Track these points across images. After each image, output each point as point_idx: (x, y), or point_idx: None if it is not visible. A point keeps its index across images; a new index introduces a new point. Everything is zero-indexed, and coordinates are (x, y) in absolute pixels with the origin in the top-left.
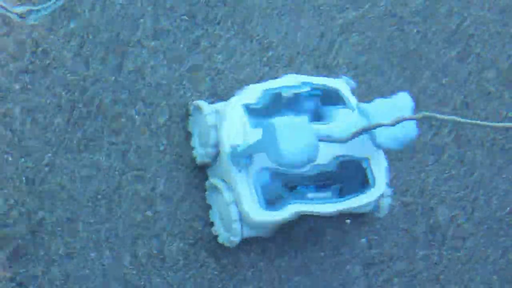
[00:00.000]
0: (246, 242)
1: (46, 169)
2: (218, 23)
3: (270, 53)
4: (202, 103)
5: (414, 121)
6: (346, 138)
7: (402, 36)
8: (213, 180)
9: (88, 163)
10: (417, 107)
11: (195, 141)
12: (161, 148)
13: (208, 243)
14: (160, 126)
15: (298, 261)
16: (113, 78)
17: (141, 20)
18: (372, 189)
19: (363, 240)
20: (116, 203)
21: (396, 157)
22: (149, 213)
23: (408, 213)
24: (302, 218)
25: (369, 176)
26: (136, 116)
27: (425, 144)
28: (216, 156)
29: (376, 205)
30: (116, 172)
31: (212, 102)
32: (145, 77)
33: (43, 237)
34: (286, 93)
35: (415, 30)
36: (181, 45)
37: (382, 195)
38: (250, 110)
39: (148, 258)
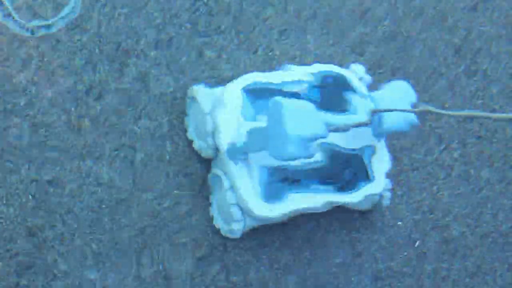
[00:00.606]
0: (254, 256)
1: (51, 181)
2: (222, 33)
3: (274, 63)
4: (198, 91)
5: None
6: (365, 122)
7: (408, 51)
8: (215, 171)
9: (92, 175)
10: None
11: (192, 133)
12: (167, 159)
13: (217, 259)
14: (164, 137)
15: (308, 275)
16: (117, 87)
17: (145, 31)
18: (372, 184)
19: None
20: (120, 216)
21: (407, 173)
22: (153, 228)
23: (418, 227)
24: (310, 230)
25: (369, 169)
26: (140, 128)
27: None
28: (217, 148)
29: (376, 202)
30: (120, 185)
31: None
32: (149, 87)
33: (45, 252)
34: (287, 89)
35: (422, 46)
36: (185, 55)
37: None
38: (250, 92)
39: (154, 275)
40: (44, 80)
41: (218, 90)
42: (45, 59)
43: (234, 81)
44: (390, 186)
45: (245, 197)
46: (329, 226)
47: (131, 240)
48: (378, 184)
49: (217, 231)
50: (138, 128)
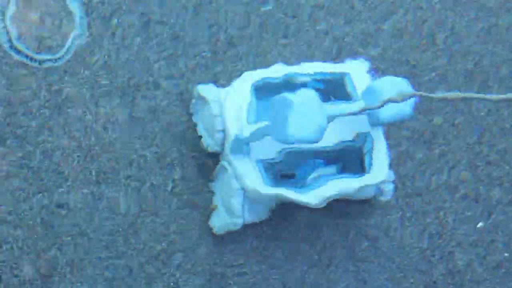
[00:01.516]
0: (263, 280)
1: (61, 207)
2: (240, 60)
3: None
4: (205, 91)
5: (411, 100)
6: (358, 112)
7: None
8: (223, 163)
9: (103, 200)
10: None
11: (200, 129)
12: (174, 188)
13: (222, 282)
14: (173, 166)
15: None
16: (127, 116)
17: (156, 63)
18: (374, 169)
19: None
20: (130, 242)
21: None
22: (162, 254)
23: (424, 256)
24: (315, 257)
25: (367, 159)
26: (149, 156)
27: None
28: (224, 142)
29: (379, 189)
30: (131, 212)
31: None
32: (158, 117)
33: (55, 280)
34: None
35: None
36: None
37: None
38: (259, 88)
39: None
40: (54, 110)
41: (224, 90)
42: (53, 90)
43: (240, 79)
44: (392, 178)
45: (248, 179)
46: (333, 252)
47: (142, 267)
48: (379, 173)
49: (224, 258)
50: (147, 156)
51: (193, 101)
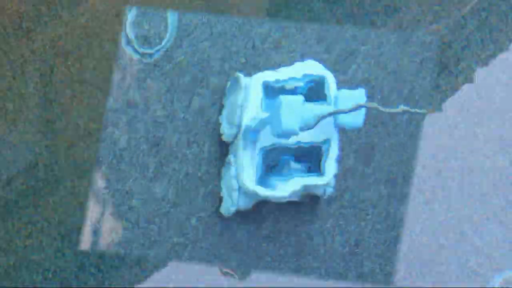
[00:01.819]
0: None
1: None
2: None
3: None
4: (241, 78)
5: (364, 112)
6: (344, 111)
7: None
8: (229, 157)
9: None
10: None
11: (223, 118)
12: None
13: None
14: (207, 162)
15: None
16: (182, 116)
17: (212, 65)
18: (328, 169)
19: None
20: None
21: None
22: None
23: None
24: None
25: (324, 159)
26: (188, 153)
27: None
28: (237, 133)
29: (323, 189)
30: (167, 204)
31: None
32: (205, 116)
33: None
34: (288, 86)
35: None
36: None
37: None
38: (267, 88)
39: None
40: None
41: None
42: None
43: (257, 76)
44: (334, 175)
45: (246, 176)
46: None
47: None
48: (329, 173)
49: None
50: (186, 152)
51: (228, 83)
